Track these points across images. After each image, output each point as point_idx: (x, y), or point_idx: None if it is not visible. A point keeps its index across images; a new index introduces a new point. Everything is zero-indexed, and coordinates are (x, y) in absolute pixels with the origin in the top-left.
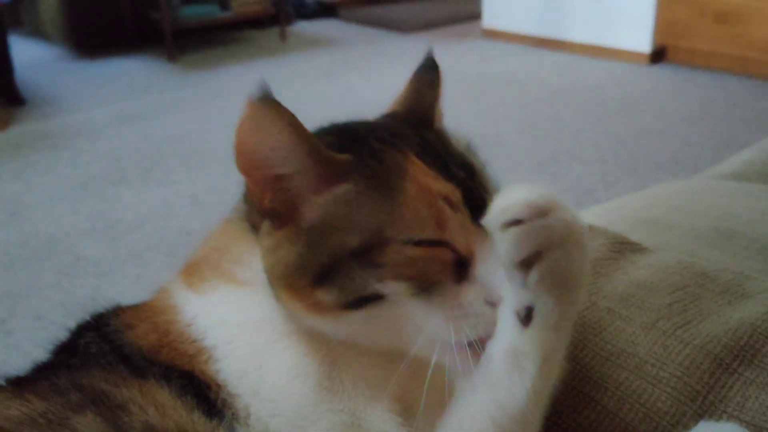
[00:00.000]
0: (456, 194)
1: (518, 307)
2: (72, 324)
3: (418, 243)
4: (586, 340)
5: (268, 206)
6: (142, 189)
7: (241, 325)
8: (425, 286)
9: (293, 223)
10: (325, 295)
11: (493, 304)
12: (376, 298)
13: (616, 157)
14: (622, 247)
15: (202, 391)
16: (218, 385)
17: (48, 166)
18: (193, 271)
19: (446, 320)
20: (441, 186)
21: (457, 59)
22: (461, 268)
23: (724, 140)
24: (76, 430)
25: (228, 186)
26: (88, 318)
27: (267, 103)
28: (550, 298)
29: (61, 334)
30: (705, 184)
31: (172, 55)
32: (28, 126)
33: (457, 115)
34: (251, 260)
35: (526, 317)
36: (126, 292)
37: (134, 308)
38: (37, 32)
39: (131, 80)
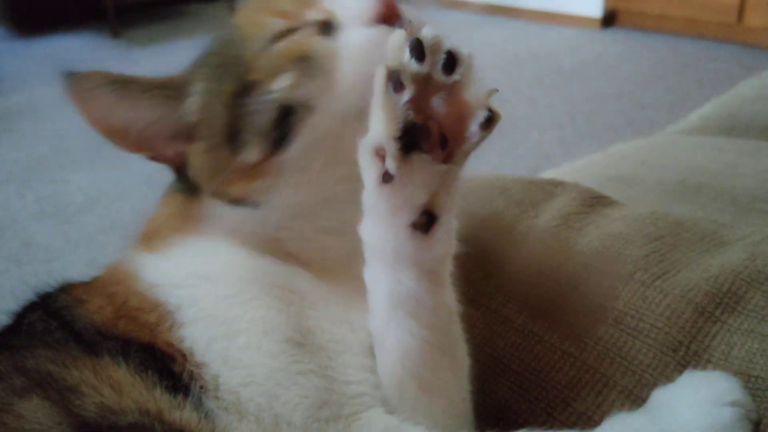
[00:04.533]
0: None
1: (415, 217)
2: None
3: (274, 40)
4: (563, 295)
5: (172, 156)
6: (91, 171)
7: (204, 277)
8: (304, 65)
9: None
10: (250, 151)
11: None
12: (284, 119)
13: (572, 122)
14: (594, 201)
15: (165, 365)
16: (183, 356)
17: None
18: (152, 236)
19: (351, 67)
20: (256, 2)
21: None
22: (330, 29)
23: (678, 102)
24: (22, 416)
25: None
26: (34, 297)
27: (73, 80)
28: (454, 183)
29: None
30: (668, 139)
31: (116, 31)
32: None
33: None
34: (208, 214)
35: (429, 222)
36: (79, 276)
37: (85, 283)
38: None
39: (74, 58)
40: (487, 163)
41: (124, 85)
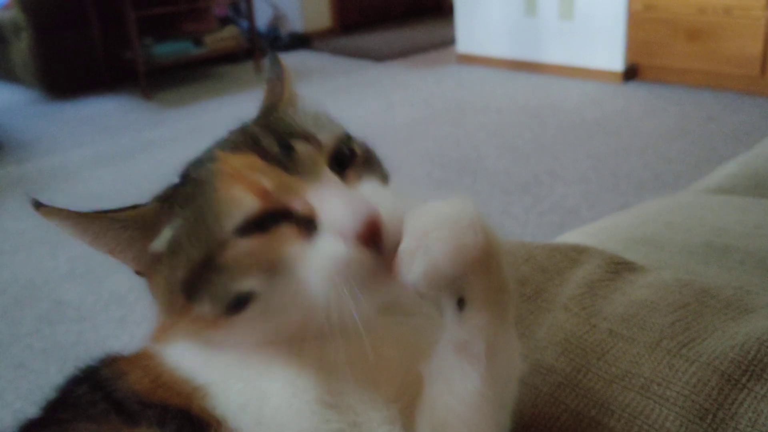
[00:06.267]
0: (251, 159)
1: (452, 301)
2: (54, 372)
3: (246, 229)
4: (589, 363)
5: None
6: None
7: (226, 362)
8: (271, 270)
9: (152, 260)
10: (203, 308)
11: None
12: (246, 298)
13: (597, 176)
14: (619, 268)
15: (200, 431)
16: (218, 422)
17: (24, 210)
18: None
19: (320, 282)
20: (238, 161)
21: (433, 85)
22: (310, 228)
23: (704, 155)
24: None
25: None
26: (78, 372)
27: (42, 212)
28: (478, 281)
29: (44, 383)
30: (693, 199)
31: (147, 94)
32: (2, 170)
33: (437, 141)
34: None
35: (459, 303)
36: (110, 336)
37: (126, 357)
38: (9, 77)
39: (107, 120)
40: (512, 218)
41: (82, 222)
